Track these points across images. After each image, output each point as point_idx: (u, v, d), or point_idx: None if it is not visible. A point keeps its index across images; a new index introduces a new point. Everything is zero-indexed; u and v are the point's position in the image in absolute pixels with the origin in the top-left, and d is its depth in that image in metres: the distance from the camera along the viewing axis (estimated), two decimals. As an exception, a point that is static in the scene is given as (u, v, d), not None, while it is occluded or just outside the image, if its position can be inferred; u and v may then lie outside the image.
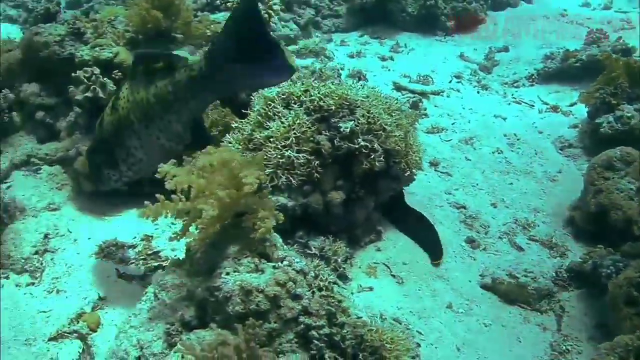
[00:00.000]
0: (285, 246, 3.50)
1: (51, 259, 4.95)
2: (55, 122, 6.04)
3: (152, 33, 6.35)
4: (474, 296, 4.88)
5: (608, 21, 11.22)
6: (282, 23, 9.68)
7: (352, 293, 4.59)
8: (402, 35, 10.87)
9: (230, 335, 2.87)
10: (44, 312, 4.43)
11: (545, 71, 9.15)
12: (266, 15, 6.19)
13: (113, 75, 5.63)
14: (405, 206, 5.50)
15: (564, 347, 4.49)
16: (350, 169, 4.82)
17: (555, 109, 8.09)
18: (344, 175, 4.82)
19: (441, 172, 6.48)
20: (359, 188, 4.87)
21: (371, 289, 4.74)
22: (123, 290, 4.64)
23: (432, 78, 8.75)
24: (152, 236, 5.18)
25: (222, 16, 8.37)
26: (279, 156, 4.60)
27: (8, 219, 5.11)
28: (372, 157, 4.75)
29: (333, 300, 3.24)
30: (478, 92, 8.68)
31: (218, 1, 9.16)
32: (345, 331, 3.14)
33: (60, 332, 4.22)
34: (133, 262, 4.91)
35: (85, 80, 5.49)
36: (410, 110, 6.86)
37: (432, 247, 5.27)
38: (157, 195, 3.23)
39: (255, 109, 5.00)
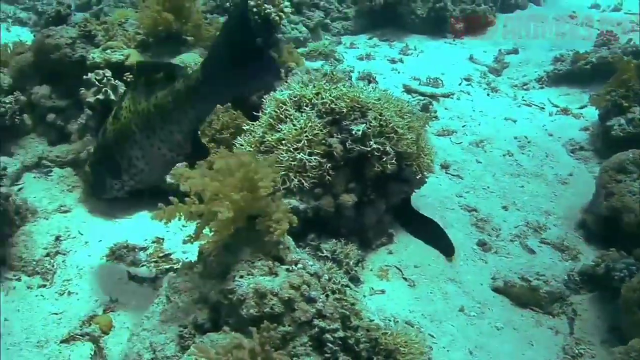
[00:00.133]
0: (297, 249, 3.50)
1: (62, 261, 4.94)
2: (66, 125, 6.05)
3: (162, 35, 6.37)
4: (486, 299, 4.86)
5: (618, 23, 11.19)
6: (292, 25, 9.71)
7: (364, 296, 4.58)
8: (411, 37, 10.88)
9: (245, 339, 2.87)
10: (56, 314, 4.43)
11: (555, 73, 9.12)
12: (277, 18, 6.17)
13: (124, 78, 5.64)
14: (412, 210, 5.48)
15: (577, 351, 4.47)
16: (361, 171, 4.82)
17: (565, 111, 8.06)
18: (355, 178, 4.82)
19: (452, 175, 6.47)
20: (370, 191, 4.87)
21: (383, 291, 4.73)
22: (134, 292, 4.63)
23: (441, 80, 8.74)
24: (163, 238, 5.16)
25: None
26: (291, 159, 4.60)
27: (19, 221, 5.10)
28: (384, 159, 4.74)
29: (346, 304, 3.23)
30: (488, 95, 8.66)
31: (227, 3, 9.20)
32: (359, 334, 3.13)
33: (71, 334, 4.21)
34: (144, 265, 4.89)
35: (97, 83, 5.49)
36: (421, 112, 6.85)
37: (444, 245, 5.29)
38: (171, 198, 3.24)
39: (267, 112, 5.00)
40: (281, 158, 4.57)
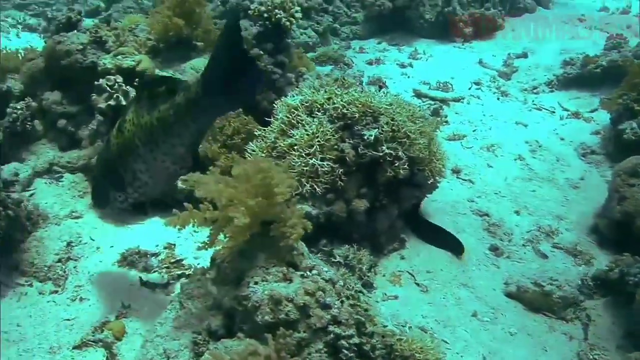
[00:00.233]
0: (310, 255, 3.49)
1: (74, 267, 4.95)
2: (77, 130, 6.05)
3: (173, 41, 6.38)
4: (499, 304, 4.83)
5: (627, 26, 11.13)
6: (301, 30, 9.72)
7: (377, 301, 4.57)
8: (420, 41, 10.86)
9: (260, 345, 2.86)
10: (68, 320, 4.44)
11: (564, 77, 9.07)
12: (287, 23, 6.17)
13: (135, 84, 5.64)
14: (420, 217, 5.48)
15: (592, 357, 4.44)
16: (373, 176, 4.81)
17: (576, 115, 8.03)
18: (367, 183, 4.81)
19: (463, 180, 6.45)
20: (382, 196, 4.86)
21: (396, 297, 4.72)
22: (146, 298, 4.63)
23: (451, 85, 8.72)
24: (174, 244, 5.17)
25: (241, 23, 8.39)
26: (303, 164, 4.59)
27: (31, 227, 5.12)
28: (396, 165, 4.73)
29: (360, 309, 3.22)
30: (498, 99, 8.63)
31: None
32: (374, 341, 3.12)
33: (84, 340, 4.21)
34: (156, 271, 4.90)
35: (108, 89, 5.50)
36: (431, 117, 6.84)
37: (453, 245, 5.31)
38: (185, 204, 3.23)
39: (279, 117, 4.99)
40: (293, 163, 4.57)
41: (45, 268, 4.88)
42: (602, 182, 6.32)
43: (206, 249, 3.33)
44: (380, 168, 4.77)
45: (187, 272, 4.80)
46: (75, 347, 4.18)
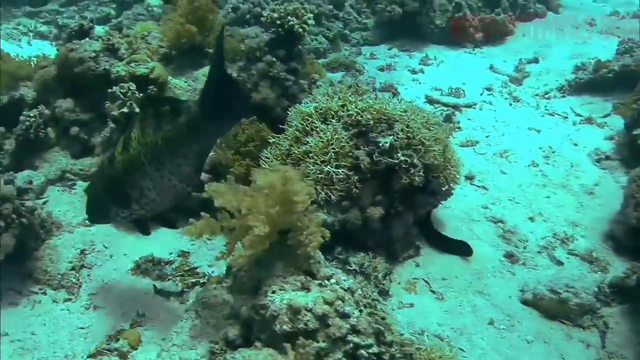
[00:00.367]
0: (327, 263, 3.47)
1: (88, 275, 4.94)
2: (89, 138, 6.05)
3: (185, 48, 6.38)
4: (515, 312, 4.80)
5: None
6: (311, 37, 9.71)
7: (393, 309, 4.55)
8: (431, 47, 10.83)
9: (279, 355, 2.84)
10: (82, 328, 4.43)
11: (576, 82, 9.00)
12: (300, 30, 6.16)
13: (149, 91, 5.64)
14: (431, 226, 5.47)
15: (610, 365, 4.42)
16: (388, 184, 4.79)
17: (589, 120, 7.97)
18: (382, 190, 4.79)
19: (477, 186, 6.42)
20: (397, 203, 4.84)
21: (412, 305, 4.69)
22: (161, 307, 4.61)
23: (463, 91, 8.69)
24: (188, 252, 5.16)
25: (252, 30, 8.42)
26: (318, 171, 4.58)
27: (45, 235, 5.11)
28: (411, 172, 4.71)
29: (378, 318, 3.20)
30: (510, 105, 8.59)
31: (248, 15, 9.24)
32: (393, 350, 3.10)
33: (99, 349, 4.20)
34: (170, 279, 4.88)
35: (122, 96, 5.49)
36: (444, 123, 6.82)
37: (462, 248, 5.32)
38: (202, 214, 3.22)
39: (293, 124, 4.98)
40: (308, 171, 4.55)
41: (59, 276, 4.87)
42: (617, 188, 6.26)
43: (225, 259, 3.31)
44: (396, 175, 4.75)
45: (201, 281, 4.78)
46: (89, 356, 4.17)
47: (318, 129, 4.81)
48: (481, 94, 8.82)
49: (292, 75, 6.24)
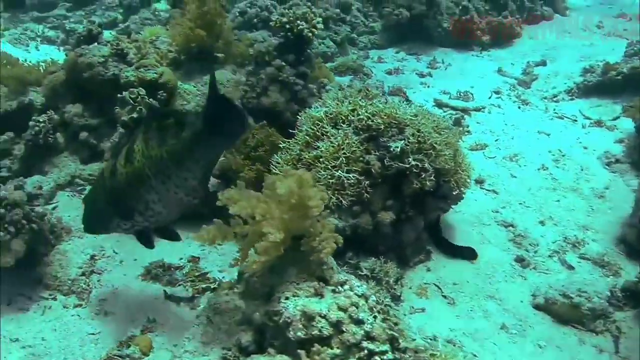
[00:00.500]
0: (339, 269, 3.46)
1: (98, 281, 4.94)
2: (98, 143, 6.06)
3: (194, 52, 6.37)
4: (527, 317, 4.77)
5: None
6: (319, 40, 9.70)
7: (405, 315, 4.53)
8: (438, 50, 10.83)
9: (294, 362, 2.84)
10: (93, 334, 4.41)
11: (585, 85, 8.96)
12: (309, 34, 6.15)
13: (158, 96, 5.64)
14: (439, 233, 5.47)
15: (624, 370, 4.39)
16: (399, 188, 4.77)
17: (598, 123, 7.94)
18: (393, 195, 4.77)
19: (487, 190, 6.39)
20: (408, 208, 4.82)
21: (423, 310, 4.67)
22: (172, 312, 4.60)
23: (472, 94, 8.68)
24: (198, 257, 5.16)
25: (259, 34, 8.42)
26: (329, 176, 4.56)
27: (55, 240, 5.10)
28: (422, 176, 4.69)
29: (392, 324, 3.18)
30: (519, 108, 8.56)
31: (255, 19, 9.24)
32: (408, 356, 3.09)
33: (110, 355, 4.18)
34: (181, 284, 4.87)
35: (131, 101, 5.49)
36: (453, 127, 6.79)
37: (467, 253, 5.33)
38: (215, 220, 3.21)
39: (303, 129, 4.97)
40: (319, 176, 4.53)
41: (69, 281, 4.87)
42: (628, 192, 6.23)
43: (239, 266, 3.30)
44: (407, 180, 4.73)
45: (212, 286, 4.77)
46: (100, 362, 4.17)
47: (329, 134, 4.80)
48: (490, 97, 8.79)
49: (301, 80, 6.23)
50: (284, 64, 6.20)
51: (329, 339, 2.97)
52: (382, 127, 4.75)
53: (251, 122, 5.86)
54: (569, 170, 6.86)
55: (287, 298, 3.12)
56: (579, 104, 8.66)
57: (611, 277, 5.20)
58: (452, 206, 5.37)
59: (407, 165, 4.67)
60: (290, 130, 5.17)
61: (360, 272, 4.50)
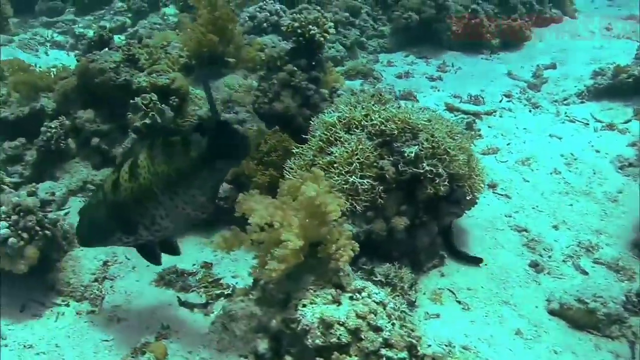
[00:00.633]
0: (355, 275, 3.45)
1: (110, 287, 4.94)
2: (110, 149, 6.06)
3: (206, 57, 6.37)
4: (542, 322, 4.73)
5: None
6: (329, 44, 9.69)
7: (420, 320, 4.51)
8: (448, 54, 10.83)
9: (312, 370, 2.83)
10: (106, 341, 4.40)
11: (595, 88, 8.93)
12: (321, 39, 6.14)
13: (171, 102, 5.64)
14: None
15: (641, 376, 4.35)
16: (413, 194, 4.75)
17: (610, 126, 7.89)
18: (407, 201, 4.75)
19: (500, 195, 6.37)
20: (422, 213, 4.80)
21: (438, 315, 4.65)
22: (186, 319, 4.59)
23: (482, 98, 8.66)
24: (211, 263, 5.14)
25: (269, 39, 8.42)
26: (343, 182, 4.55)
27: (67, 246, 5.10)
28: (436, 182, 4.67)
29: (410, 331, 3.17)
30: (530, 111, 8.54)
31: (265, 24, 9.24)
32: (426, 364, 3.07)
33: (124, 361, 4.19)
34: (194, 290, 4.86)
35: (144, 107, 5.49)
36: (466, 131, 6.78)
37: (472, 258, 5.32)
38: (232, 227, 3.20)
39: (316, 135, 4.96)
40: (333, 182, 4.52)
41: (82, 288, 4.88)
42: (642, 196, 6.21)
43: (258, 274, 3.28)
44: (421, 185, 4.71)
45: (225, 292, 4.75)
46: (115, 369, 4.16)
47: (342, 139, 4.78)
48: (500, 101, 8.77)
49: (313, 85, 6.21)
50: (296, 69, 6.18)
51: (347, 346, 2.97)
52: (395, 132, 4.73)
53: (263, 128, 5.88)
54: (581, 174, 6.82)
55: (304, 305, 3.11)
56: (589, 107, 8.62)
57: (626, 281, 5.16)
58: (466, 211, 5.34)
59: (421, 171, 4.65)
60: (303, 136, 5.15)
61: (374, 278, 4.47)
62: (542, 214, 6.07)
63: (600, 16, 12.92)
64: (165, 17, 11.17)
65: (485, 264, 5.26)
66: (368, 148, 4.68)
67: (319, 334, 2.97)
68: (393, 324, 3.09)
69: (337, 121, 4.93)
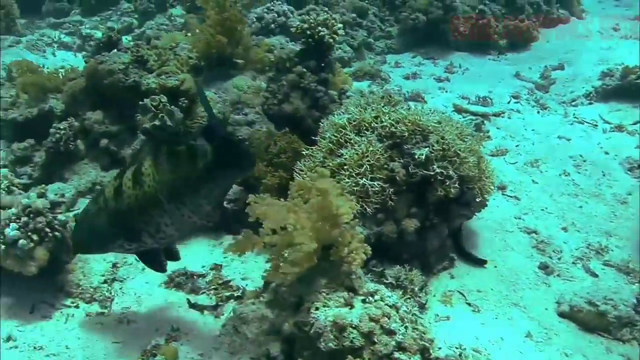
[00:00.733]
0: (366, 278, 3.45)
1: (120, 288, 4.94)
2: (119, 150, 6.06)
3: (214, 58, 6.37)
4: (552, 324, 4.72)
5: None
6: (336, 45, 9.67)
7: (430, 323, 4.49)
8: (455, 55, 10.82)
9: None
10: (117, 342, 4.39)
11: (603, 89, 8.91)
12: (330, 40, 6.13)
13: (180, 103, 5.63)
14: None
15: (653, 379, 4.34)
16: (423, 196, 4.74)
17: (619, 128, 7.87)
18: (417, 203, 4.74)
19: (509, 196, 6.36)
20: (432, 215, 4.79)
21: (448, 318, 4.64)
22: (196, 321, 4.57)
23: (490, 99, 8.65)
24: (221, 265, 5.14)
25: (276, 40, 8.42)
26: (353, 184, 4.54)
27: (76, 248, 5.10)
28: (447, 184, 4.66)
29: (419, 333, 3.16)
30: (538, 112, 8.52)
31: (272, 25, 9.23)
32: (439, 367, 3.07)
33: (136, 364, 4.19)
34: (204, 292, 4.85)
35: (153, 109, 5.48)
36: (475, 133, 6.76)
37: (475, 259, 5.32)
38: (245, 230, 3.19)
39: (326, 136, 4.95)
40: (343, 184, 4.51)
41: (91, 289, 4.88)
42: (651, 197, 6.20)
43: (271, 278, 3.27)
44: (431, 187, 4.70)
45: (235, 294, 4.74)
46: (127, 371, 4.16)
47: (352, 141, 4.77)
48: (508, 102, 8.76)
49: (322, 86, 6.19)
50: (305, 70, 6.17)
51: (360, 349, 2.96)
52: (406, 134, 4.73)
53: (273, 129, 5.87)
54: (590, 176, 6.81)
55: (317, 308, 3.10)
56: (598, 108, 8.61)
57: (636, 284, 5.15)
58: (476, 213, 5.33)
59: (432, 173, 4.64)
60: (313, 137, 5.15)
61: (385, 280, 4.46)
62: (552, 215, 6.07)
63: (608, 16, 12.88)
64: (172, 18, 11.16)
65: (495, 266, 5.25)
66: (378, 150, 4.67)
67: (332, 337, 2.96)
68: (406, 327, 3.08)
69: (347, 123, 4.92)
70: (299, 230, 3.03)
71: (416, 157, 4.64)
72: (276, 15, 9.46)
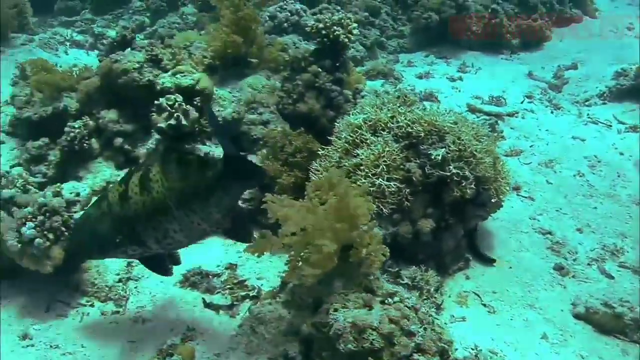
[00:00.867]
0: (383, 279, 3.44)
1: (135, 287, 4.94)
2: (133, 149, 6.06)
3: (229, 57, 6.36)
4: (567, 326, 4.71)
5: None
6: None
7: (446, 324, 4.48)
8: (468, 54, 10.78)
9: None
10: (132, 342, 4.39)
11: (617, 88, 8.86)
12: (345, 40, 6.12)
13: (195, 103, 5.63)
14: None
15: (670, 382, 4.32)
16: (439, 196, 4.73)
17: (634, 128, 7.83)
18: (433, 203, 4.73)
19: (523, 197, 6.34)
20: (448, 216, 4.78)
21: (464, 319, 4.63)
22: (211, 320, 4.57)
23: (504, 99, 8.62)
24: (236, 264, 5.13)
25: (289, 39, 8.41)
26: (370, 184, 4.53)
27: (91, 247, 5.10)
28: (463, 184, 4.66)
29: (437, 334, 3.16)
30: (552, 112, 8.49)
31: (285, 24, 9.22)
32: (458, 369, 3.06)
33: (152, 363, 4.18)
34: (219, 292, 4.85)
35: (169, 108, 5.49)
36: (491, 133, 6.74)
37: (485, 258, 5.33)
38: (263, 231, 3.19)
39: (342, 137, 4.94)
40: (359, 184, 4.50)
41: (106, 288, 4.88)
42: (667, 199, 6.16)
43: (289, 280, 3.27)
44: (447, 188, 4.70)
45: (251, 294, 4.74)
46: (144, 371, 4.15)
47: (368, 141, 4.77)
48: (522, 102, 8.73)
49: (337, 86, 6.19)
50: (320, 70, 6.16)
51: (380, 351, 2.95)
52: (422, 134, 4.72)
53: (287, 129, 5.86)
54: (605, 176, 6.78)
55: (336, 310, 3.10)
56: (612, 108, 8.56)
57: (653, 286, 5.13)
58: (491, 214, 5.32)
59: (448, 173, 4.64)
60: (328, 137, 5.14)
61: (401, 281, 4.45)
62: (566, 216, 6.05)
63: (621, 15, 12.81)
64: (184, 17, 11.16)
65: (510, 267, 5.25)
66: (394, 150, 4.67)
67: (351, 338, 2.96)
68: (425, 329, 3.08)
69: (362, 123, 4.92)
70: (319, 231, 3.03)
71: (432, 157, 4.63)
72: (289, 14, 9.43)
